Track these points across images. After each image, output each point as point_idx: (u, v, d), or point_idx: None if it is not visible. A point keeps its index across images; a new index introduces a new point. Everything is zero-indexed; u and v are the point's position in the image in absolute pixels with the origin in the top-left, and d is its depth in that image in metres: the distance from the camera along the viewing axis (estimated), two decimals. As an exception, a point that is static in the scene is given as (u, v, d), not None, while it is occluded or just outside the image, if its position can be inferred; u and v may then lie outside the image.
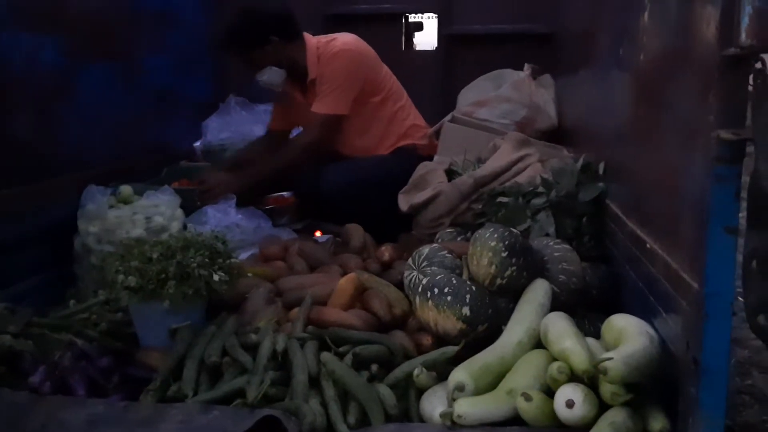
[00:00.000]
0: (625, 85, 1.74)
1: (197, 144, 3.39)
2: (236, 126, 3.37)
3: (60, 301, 2.03)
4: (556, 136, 2.95)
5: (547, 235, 1.97)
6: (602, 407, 1.28)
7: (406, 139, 2.91)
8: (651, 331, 1.33)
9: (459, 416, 1.32)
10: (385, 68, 2.95)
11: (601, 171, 1.99)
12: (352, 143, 2.89)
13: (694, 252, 1.10)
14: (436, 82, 3.62)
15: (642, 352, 1.25)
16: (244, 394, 1.42)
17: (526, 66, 3.11)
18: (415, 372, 1.48)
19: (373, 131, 2.88)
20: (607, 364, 1.20)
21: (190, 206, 2.49)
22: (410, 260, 1.92)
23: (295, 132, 3.12)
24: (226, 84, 3.55)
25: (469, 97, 3.23)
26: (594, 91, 2.25)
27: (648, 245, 1.40)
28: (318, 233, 2.78)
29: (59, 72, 2.40)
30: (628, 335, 1.32)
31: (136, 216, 2.30)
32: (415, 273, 1.86)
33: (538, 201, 2.04)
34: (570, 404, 1.24)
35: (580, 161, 2.07)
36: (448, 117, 2.89)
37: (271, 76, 2.77)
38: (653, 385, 1.28)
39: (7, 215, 2.12)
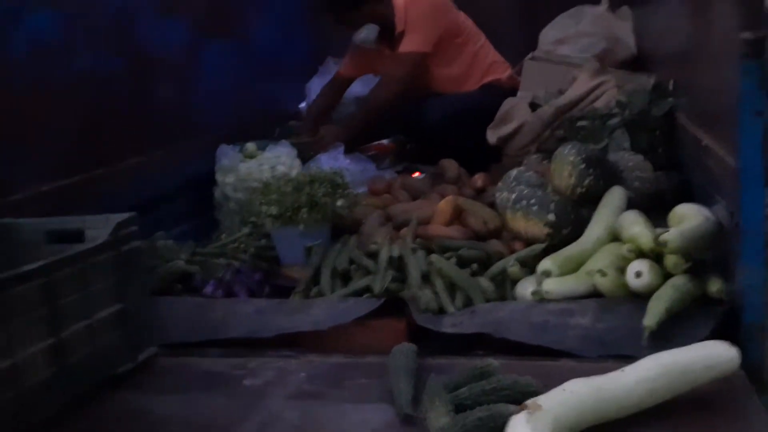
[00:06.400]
0: (686, 12, 1.94)
1: (302, 105, 3.77)
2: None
3: (207, 242, 2.46)
4: (636, 65, 3.10)
5: (624, 150, 2.20)
6: (667, 279, 1.53)
7: (489, 75, 3.19)
8: (707, 213, 1.57)
9: (547, 292, 1.62)
10: (462, 14, 3.23)
11: (671, 88, 2.18)
12: (440, 80, 3.17)
13: (733, 136, 1.33)
14: (518, 22, 3.77)
15: (697, 227, 1.49)
16: (370, 290, 1.77)
17: (604, 0, 3.25)
18: (510, 265, 1.79)
19: (459, 69, 3.17)
20: (666, 236, 1.45)
21: (305, 156, 2.88)
22: (501, 182, 2.21)
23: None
24: (324, 47, 3.89)
25: (550, 35, 3.41)
26: (665, 18, 2.42)
27: (703, 142, 1.62)
28: (416, 174, 3.10)
29: (190, 49, 2.82)
30: (687, 217, 1.57)
31: (263, 167, 2.69)
32: (505, 192, 2.15)
33: (613, 121, 2.26)
34: (638, 274, 1.50)
35: (651, 81, 2.26)
36: (529, 56, 3.10)
37: (368, 33, 3.08)
38: (712, 259, 1.52)
39: (159, 172, 2.57)
